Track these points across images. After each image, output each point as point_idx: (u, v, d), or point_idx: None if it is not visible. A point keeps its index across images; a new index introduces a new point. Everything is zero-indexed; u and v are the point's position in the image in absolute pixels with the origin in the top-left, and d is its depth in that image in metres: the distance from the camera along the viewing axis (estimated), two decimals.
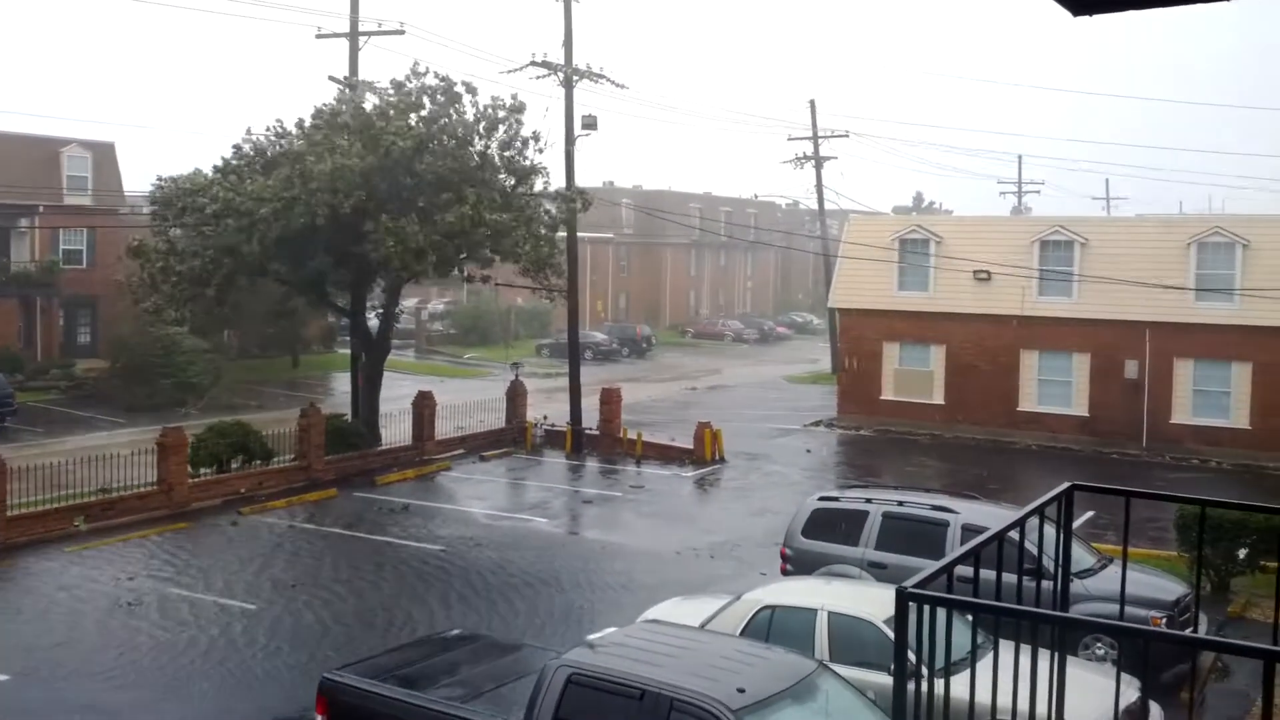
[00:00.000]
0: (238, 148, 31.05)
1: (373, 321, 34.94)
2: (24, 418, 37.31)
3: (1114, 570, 15.36)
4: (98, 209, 48.32)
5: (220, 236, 28.79)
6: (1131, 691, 10.57)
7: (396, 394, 36.24)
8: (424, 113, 29.81)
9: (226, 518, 25.15)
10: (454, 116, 29.82)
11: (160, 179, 32.67)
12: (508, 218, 29.56)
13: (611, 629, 11.92)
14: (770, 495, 27.79)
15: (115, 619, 18.15)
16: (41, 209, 46.87)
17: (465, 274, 34.28)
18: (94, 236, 48.44)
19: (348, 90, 31.75)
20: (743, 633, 12.62)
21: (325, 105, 30.59)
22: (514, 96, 30.70)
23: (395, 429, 32.30)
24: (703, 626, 12.83)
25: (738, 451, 32.89)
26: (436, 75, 30.32)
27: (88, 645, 16.96)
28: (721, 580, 19.71)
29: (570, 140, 33.69)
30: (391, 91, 30.38)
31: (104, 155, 50.04)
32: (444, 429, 33.35)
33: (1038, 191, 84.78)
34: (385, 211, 28.25)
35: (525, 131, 30.72)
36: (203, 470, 27.21)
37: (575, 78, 33.72)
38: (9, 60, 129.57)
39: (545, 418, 35.45)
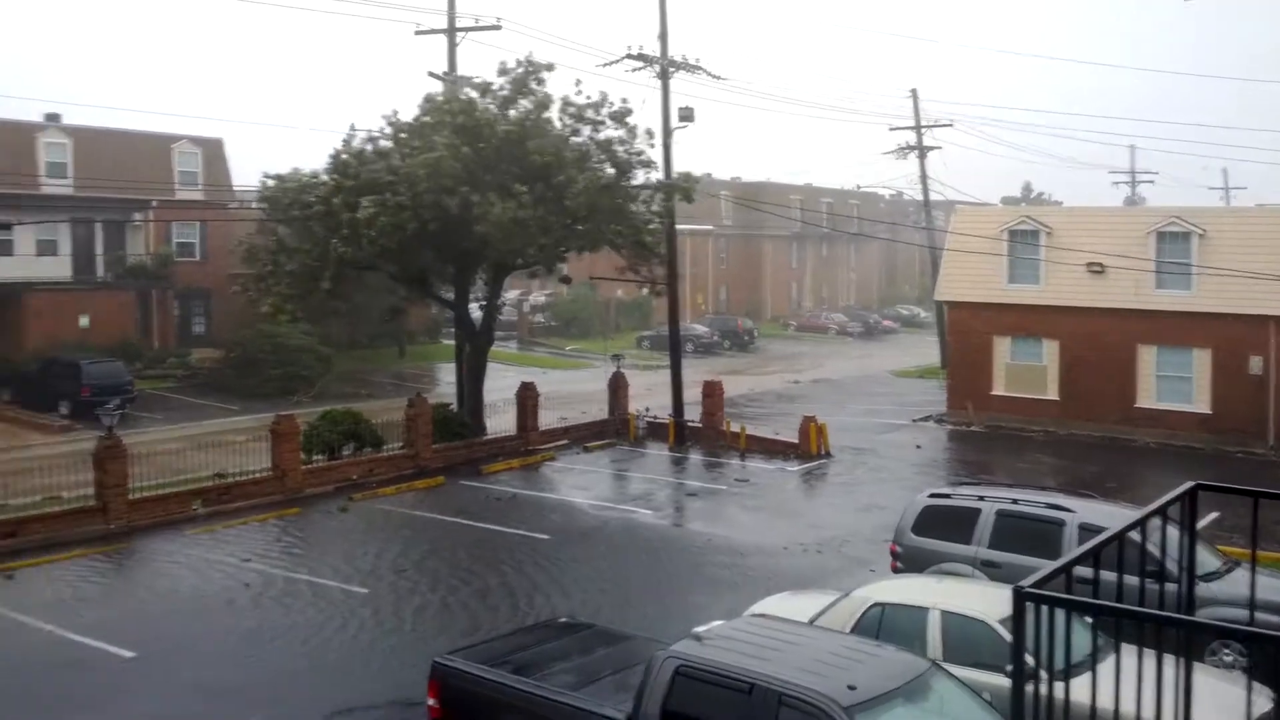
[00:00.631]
0: (348, 141, 31.46)
1: (476, 313, 35.36)
2: (142, 404, 38.61)
3: (1241, 574, 14.84)
4: (208, 203, 49.75)
5: (328, 243, 29.26)
6: (1264, 701, 10.18)
7: (500, 385, 36.67)
8: (525, 102, 30.00)
9: (338, 503, 25.72)
10: (549, 105, 29.94)
11: (266, 176, 33.20)
12: (619, 202, 29.74)
13: (718, 622, 11.89)
14: (878, 491, 27.46)
15: (233, 600, 18.69)
16: (155, 203, 48.32)
17: (563, 275, 34.53)
18: (205, 230, 49.92)
19: (447, 86, 31.92)
20: (853, 630, 12.50)
21: (429, 99, 30.74)
22: (623, 101, 30.87)
23: (499, 419, 32.69)
24: (811, 622, 12.75)
25: (843, 446, 32.57)
26: (518, 61, 30.31)
27: (209, 625, 17.49)
28: (830, 576, 19.57)
29: (668, 132, 33.59)
30: (479, 95, 30.41)
31: (213, 151, 51.57)
32: (547, 420, 33.65)
33: (1151, 181, 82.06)
34: (490, 196, 28.32)
35: (627, 129, 30.81)
36: (315, 457, 27.88)
37: (671, 69, 33.60)
38: (123, 60, 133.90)
39: (647, 409, 35.51)
